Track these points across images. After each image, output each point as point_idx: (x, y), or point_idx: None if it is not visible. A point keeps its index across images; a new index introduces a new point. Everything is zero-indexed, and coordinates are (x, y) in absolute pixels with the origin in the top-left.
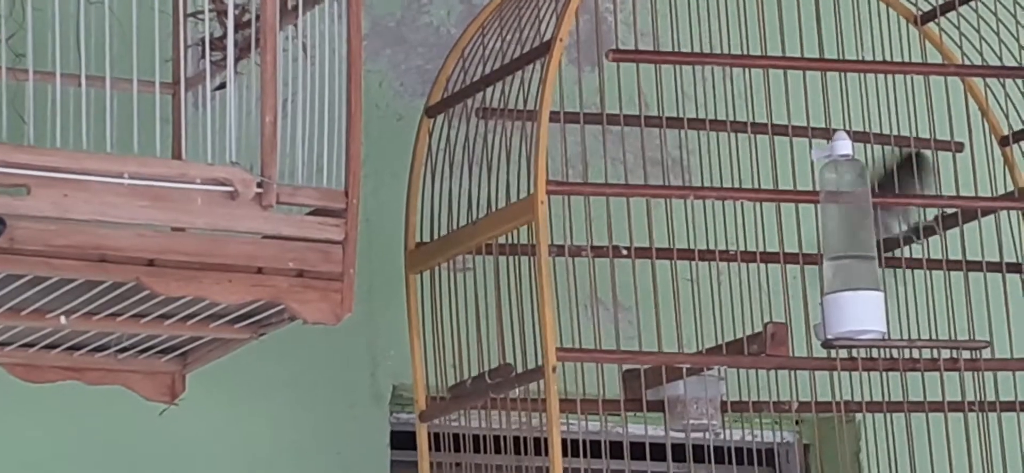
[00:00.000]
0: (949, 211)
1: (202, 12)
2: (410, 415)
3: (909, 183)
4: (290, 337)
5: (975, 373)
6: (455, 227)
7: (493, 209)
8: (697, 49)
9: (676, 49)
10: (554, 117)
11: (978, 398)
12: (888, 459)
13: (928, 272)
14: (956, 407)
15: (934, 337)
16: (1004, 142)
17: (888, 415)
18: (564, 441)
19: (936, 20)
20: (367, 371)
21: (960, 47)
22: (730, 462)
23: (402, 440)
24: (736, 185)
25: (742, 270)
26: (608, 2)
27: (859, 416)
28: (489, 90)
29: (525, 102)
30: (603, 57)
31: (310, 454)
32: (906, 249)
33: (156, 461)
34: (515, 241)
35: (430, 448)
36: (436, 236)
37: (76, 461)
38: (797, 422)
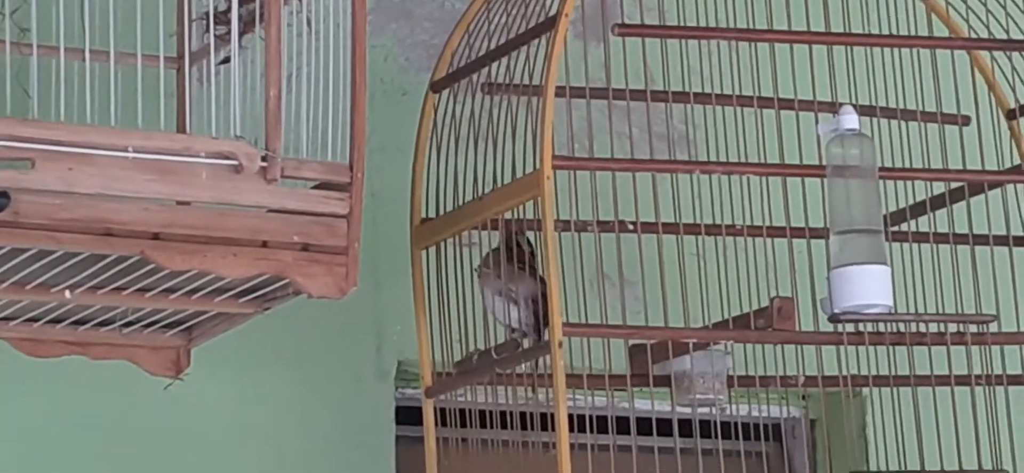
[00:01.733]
0: (955, 185)
1: None
2: (415, 390)
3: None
4: (295, 312)
5: (982, 347)
6: (461, 203)
7: (499, 185)
8: (702, 23)
9: (681, 23)
10: (559, 92)
11: (985, 372)
12: (895, 433)
13: (935, 245)
14: (963, 381)
15: (941, 311)
16: (1011, 115)
17: (895, 389)
18: (570, 416)
19: None
20: (372, 346)
21: (966, 20)
22: (736, 437)
23: (407, 415)
24: (742, 159)
25: (748, 245)
26: None
27: (866, 390)
28: (494, 65)
29: (531, 77)
30: (609, 31)
31: (315, 429)
32: (913, 223)
33: (161, 435)
34: (521, 216)
35: (436, 423)
36: (442, 212)
37: (81, 435)
38: (803, 397)
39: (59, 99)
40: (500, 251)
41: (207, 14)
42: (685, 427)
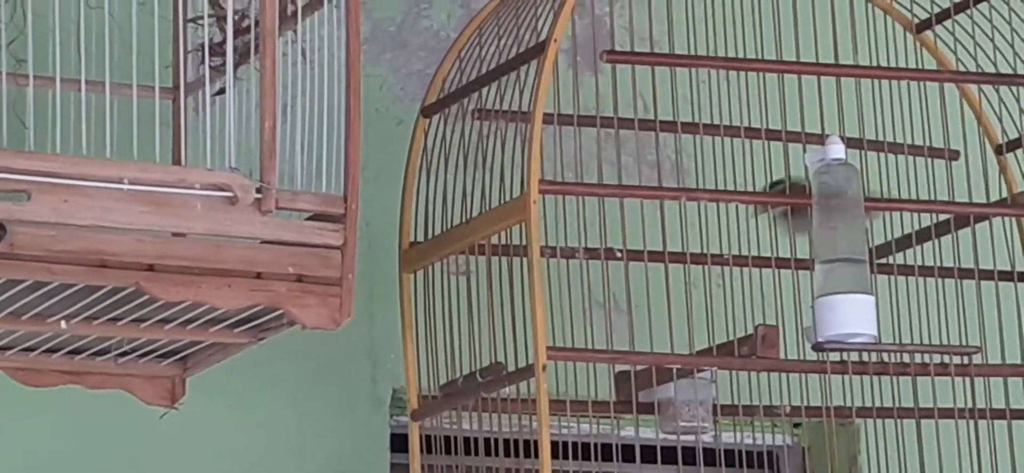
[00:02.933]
0: (942, 217)
1: (202, 17)
2: None
3: None
4: (290, 341)
5: (966, 379)
6: (449, 227)
7: (487, 209)
8: (693, 52)
9: (672, 51)
10: (549, 119)
11: (968, 404)
12: (884, 463)
13: (921, 278)
14: (946, 413)
15: (925, 342)
16: (999, 150)
17: (881, 420)
18: (554, 443)
19: (932, 27)
20: (367, 374)
21: (955, 54)
22: (721, 464)
23: (402, 443)
24: (730, 188)
25: (734, 273)
26: (606, 5)
27: (858, 420)
28: (485, 91)
29: (521, 103)
30: (599, 59)
31: (310, 458)
32: (899, 255)
33: (156, 465)
34: (509, 241)
35: (422, 450)
36: (430, 236)
37: (76, 465)
38: (796, 425)
39: (55, 130)
40: None
41: (203, 45)
42: (669, 454)
